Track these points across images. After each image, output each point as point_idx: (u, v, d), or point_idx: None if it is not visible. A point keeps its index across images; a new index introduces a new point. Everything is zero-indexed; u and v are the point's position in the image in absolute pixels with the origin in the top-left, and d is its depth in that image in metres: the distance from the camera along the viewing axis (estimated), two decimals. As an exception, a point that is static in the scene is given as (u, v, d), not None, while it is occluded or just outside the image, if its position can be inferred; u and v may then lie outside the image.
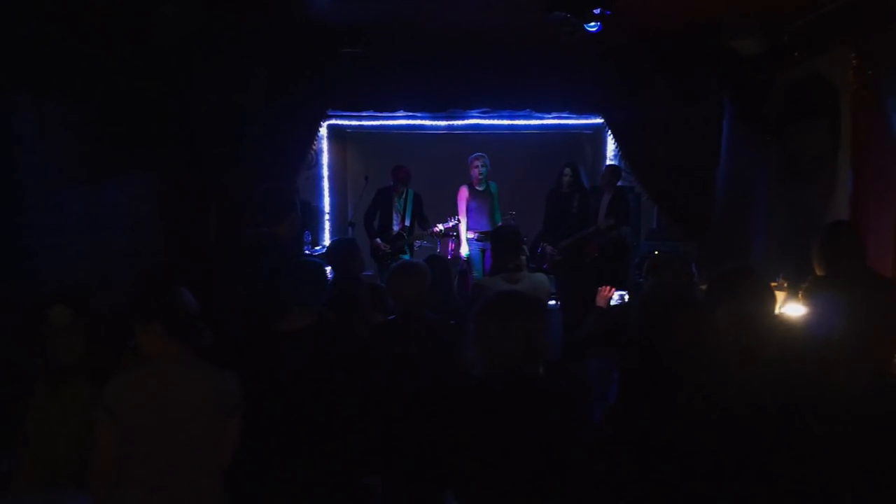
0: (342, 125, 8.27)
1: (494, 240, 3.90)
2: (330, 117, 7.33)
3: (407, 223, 6.71)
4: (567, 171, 6.33)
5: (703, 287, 4.16)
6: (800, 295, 3.49)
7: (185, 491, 2.28)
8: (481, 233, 6.64)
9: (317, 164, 7.98)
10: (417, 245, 7.59)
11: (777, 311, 3.45)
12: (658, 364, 2.41)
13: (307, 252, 6.82)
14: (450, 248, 7.19)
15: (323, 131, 7.73)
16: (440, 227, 6.72)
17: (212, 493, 2.37)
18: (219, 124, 5.21)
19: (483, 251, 6.66)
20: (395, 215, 6.69)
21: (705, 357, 2.33)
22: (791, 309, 3.48)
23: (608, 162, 7.77)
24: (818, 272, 3.33)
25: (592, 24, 3.72)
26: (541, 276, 3.80)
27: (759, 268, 3.10)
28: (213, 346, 2.59)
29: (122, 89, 4.48)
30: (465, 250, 6.76)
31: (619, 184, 6.49)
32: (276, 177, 5.32)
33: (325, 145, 8.09)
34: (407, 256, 6.57)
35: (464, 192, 6.73)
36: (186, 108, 5.07)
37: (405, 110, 6.51)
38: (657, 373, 2.39)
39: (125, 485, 2.22)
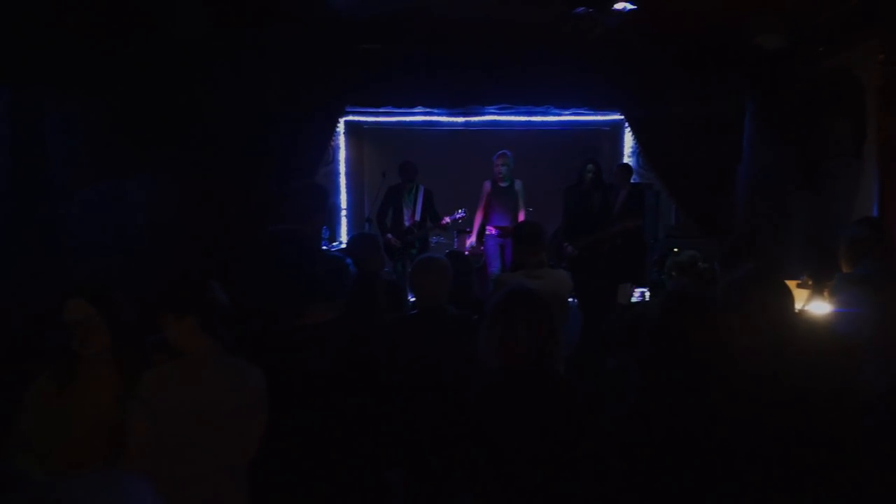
0: (359, 121, 8.29)
1: (516, 235, 3.88)
2: (347, 113, 7.35)
3: (417, 218, 6.75)
4: (590, 167, 6.25)
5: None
6: (825, 293, 3.45)
7: (211, 484, 2.27)
8: (500, 228, 6.64)
9: (334, 160, 8.00)
10: (434, 241, 7.60)
11: (798, 308, 3.43)
12: (678, 365, 2.40)
13: (324, 248, 6.85)
14: (467, 244, 7.19)
15: (340, 127, 7.75)
16: (447, 219, 6.75)
17: (236, 486, 2.36)
18: (238, 121, 5.23)
19: (502, 247, 6.65)
20: (405, 211, 6.74)
21: (726, 359, 2.32)
22: (816, 307, 3.44)
23: (626, 158, 7.73)
24: (844, 270, 3.30)
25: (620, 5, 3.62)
26: (562, 273, 3.78)
27: (775, 266, 3.07)
28: (235, 340, 2.59)
29: (143, 87, 4.51)
30: (472, 239, 6.80)
31: (634, 180, 6.45)
32: (296, 173, 5.35)
33: (342, 141, 8.10)
34: (415, 251, 6.61)
35: (486, 187, 6.75)
36: (206, 105, 5.09)
37: (424, 106, 6.51)
38: (677, 373, 2.37)
39: (153, 478, 2.22)
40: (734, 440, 2.18)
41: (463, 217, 6.81)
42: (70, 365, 2.31)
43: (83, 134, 4.14)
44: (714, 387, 2.22)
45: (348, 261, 2.98)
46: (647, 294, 4.58)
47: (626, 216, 6.03)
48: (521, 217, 6.57)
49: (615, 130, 8.15)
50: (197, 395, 2.25)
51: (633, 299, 3.66)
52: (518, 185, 6.70)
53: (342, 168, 8.16)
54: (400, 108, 6.57)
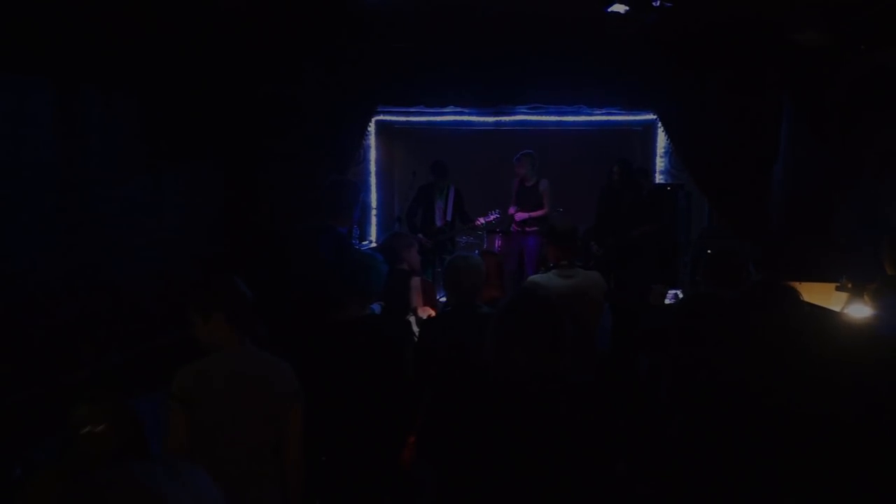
0: (390, 121, 8.32)
1: (549, 235, 3.87)
2: (378, 113, 7.38)
3: (448, 218, 6.74)
4: (615, 168, 6.26)
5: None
6: (865, 297, 3.37)
7: (248, 480, 2.28)
8: (520, 226, 6.67)
9: (364, 159, 8.05)
10: (462, 241, 7.60)
11: (837, 311, 3.35)
12: (699, 367, 2.38)
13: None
14: (497, 244, 7.17)
15: (371, 127, 7.79)
16: (481, 220, 6.74)
17: (272, 482, 2.37)
18: (273, 119, 5.29)
19: (521, 244, 6.68)
20: (437, 211, 6.73)
21: (745, 362, 2.29)
22: (856, 310, 3.35)
23: (658, 158, 7.66)
24: (889, 272, 3.21)
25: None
26: (595, 273, 3.75)
27: (786, 277, 2.97)
28: (268, 336, 2.62)
29: (182, 83, 4.59)
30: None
31: (666, 181, 6.39)
32: (328, 171, 5.38)
33: (372, 141, 8.14)
34: (448, 253, 6.61)
35: (515, 185, 6.82)
36: (242, 103, 5.16)
37: (455, 105, 6.52)
38: (699, 375, 2.35)
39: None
40: (756, 444, 2.15)
41: (497, 218, 6.79)
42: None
43: (124, 130, 4.22)
44: (733, 390, 2.19)
45: (380, 258, 3.00)
46: (680, 295, 4.52)
47: (640, 219, 6.00)
48: (536, 214, 6.58)
49: (647, 130, 8.06)
50: (231, 389, 2.26)
51: (667, 301, 3.61)
52: (543, 184, 6.70)
53: (373, 167, 8.20)
54: (431, 107, 6.58)
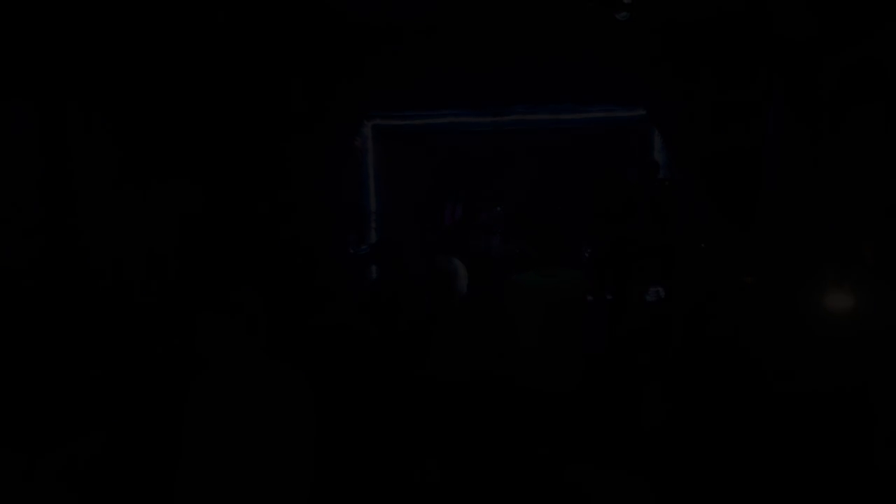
0: (388, 125, 8.33)
1: (532, 235, 3.88)
2: (374, 117, 7.41)
3: (457, 217, 6.78)
4: (607, 170, 6.27)
5: (750, 280, 4.06)
6: (847, 286, 3.35)
7: (275, 491, 2.21)
8: None
9: (363, 163, 8.07)
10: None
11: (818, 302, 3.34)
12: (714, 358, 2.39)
13: (352, 251, 6.92)
14: None
15: (368, 131, 7.81)
16: (486, 216, 6.75)
17: (299, 492, 2.28)
18: (261, 125, 5.33)
19: None
20: (446, 211, 6.77)
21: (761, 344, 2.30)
22: (838, 300, 3.34)
23: (656, 153, 7.62)
24: (870, 262, 3.21)
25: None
26: (576, 272, 3.74)
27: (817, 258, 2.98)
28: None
29: (168, 96, 4.64)
30: None
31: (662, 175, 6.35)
32: (320, 176, 5.42)
33: (370, 145, 8.16)
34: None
35: None
36: (229, 111, 5.20)
37: (446, 108, 6.54)
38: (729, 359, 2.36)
39: (213, 491, 2.16)
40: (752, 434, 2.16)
41: (501, 214, 6.80)
42: None
43: (109, 143, 4.26)
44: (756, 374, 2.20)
45: (358, 264, 3.03)
46: (662, 293, 4.51)
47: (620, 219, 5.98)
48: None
49: (644, 125, 8.02)
50: (247, 398, 2.21)
51: (648, 298, 3.61)
52: None
53: (371, 171, 8.22)
54: (421, 110, 6.61)
